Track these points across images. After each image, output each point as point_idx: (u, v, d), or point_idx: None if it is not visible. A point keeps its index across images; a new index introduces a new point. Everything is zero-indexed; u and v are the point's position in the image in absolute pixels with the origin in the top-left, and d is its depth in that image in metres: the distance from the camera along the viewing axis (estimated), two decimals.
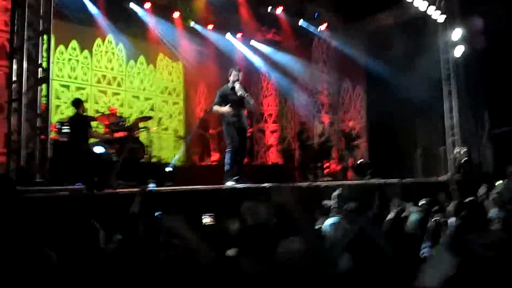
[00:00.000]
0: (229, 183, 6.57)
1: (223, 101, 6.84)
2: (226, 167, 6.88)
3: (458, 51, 11.11)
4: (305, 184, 7.80)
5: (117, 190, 4.63)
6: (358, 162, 11.98)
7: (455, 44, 11.19)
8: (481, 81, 11.18)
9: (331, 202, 4.88)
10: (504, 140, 10.80)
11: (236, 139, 6.82)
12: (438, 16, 11.14)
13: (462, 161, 11.26)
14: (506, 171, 8.94)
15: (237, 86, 6.79)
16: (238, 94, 6.75)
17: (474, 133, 11.54)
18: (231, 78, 6.85)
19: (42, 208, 4.02)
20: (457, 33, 11.06)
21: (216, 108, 6.85)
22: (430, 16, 11.02)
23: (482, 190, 6.08)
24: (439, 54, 11.72)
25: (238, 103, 6.84)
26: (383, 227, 3.89)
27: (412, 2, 10.51)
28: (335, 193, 4.86)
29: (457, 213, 4.21)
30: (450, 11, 11.22)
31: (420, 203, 6.23)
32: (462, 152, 11.37)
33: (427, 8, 10.73)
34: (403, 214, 5.62)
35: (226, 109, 6.73)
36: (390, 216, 4.16)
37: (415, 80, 11.23)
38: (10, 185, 3.95)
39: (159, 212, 4.06)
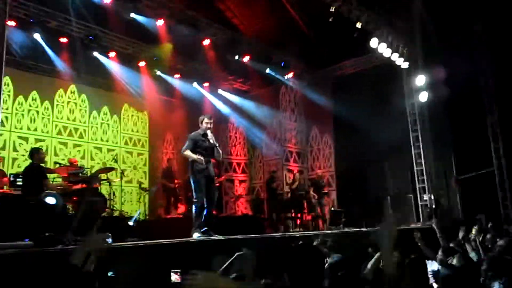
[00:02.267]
0: (196, 235, 6.17)
1: (194, 147, 6.61)
2: (194, 219, 6.50)
3: (423, 97, 11.28)
4: (278, 234, 7.42)
5: (70, 246, 4.15)
6: (332, 211, 11.69)
7: (419, 89, 11.37)
8: (447, 127, 11.35)
9: None
10: (470, 186, 10.87)
11: (202, 189, 6.54)
12: (402, 63, 11.37)
13: (432, 208, 11.21)
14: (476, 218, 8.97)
15: (209, 134, 6.67)
16: (211, 142, 6.61)
17: (442, 179, 11.58)
18: (203, 126, 6.70)
19: None
20: (420, 80, 11.27)
21: (188, 153, 6.57)
22: (394, 62, 11.23)
23: (460, 234, 5.96)
24: (404, 100, 11.91)
25: (208, 150, 6.69)
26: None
27: (376, 49, 10.67)
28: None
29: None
30: (413, 59, 11.49)
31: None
32: (431, 199, 11.34)
33: (391, 54, 10.92)
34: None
35: (197, 157, 6.49)
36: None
37: (383, 126, 11.30)
38: None
39: (111, 272, 3.63)
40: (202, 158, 6.51)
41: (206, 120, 6.72)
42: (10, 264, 3.77)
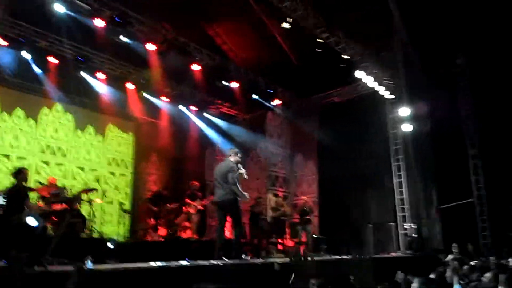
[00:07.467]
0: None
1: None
2: (238, 243, 7.36)
3: (406, 128, 11.50)
4: (258, 261, 7.39)
5: (50, 269, 4.08)
6: (314, 237, 11.66)
7: (403, 120, 11.60)
8: (429, 157, 11.54)
9: None
10: (451, 215, 11.01)
11: None
12: (387, 94, 11.61)
13: (412, 236, 11.29)
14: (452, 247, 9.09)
15: (242, 170, 7.08)
16: (245, 177, 7.13)
17: (423, 209, 11.70)
18: (237, 158, 7.10)
19: None
20: (404, 111, 11.50)
21: (239, 187, 7.01)
22: (378, 92, 11.45)
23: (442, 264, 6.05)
24: (388, 130, 12.11)
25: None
26: None
27: (361, 80, 10.91)
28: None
29: None
30: (398, 91, 11.75)
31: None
32: (412, 228, 11.43)
33: (376, 86, 11.17)
34: None
35: (247, 195, 7.25)
36: None
37: (366, 155, 11.45)
38: None
39: None
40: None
41: (239, 154, 7.22)
42: None
